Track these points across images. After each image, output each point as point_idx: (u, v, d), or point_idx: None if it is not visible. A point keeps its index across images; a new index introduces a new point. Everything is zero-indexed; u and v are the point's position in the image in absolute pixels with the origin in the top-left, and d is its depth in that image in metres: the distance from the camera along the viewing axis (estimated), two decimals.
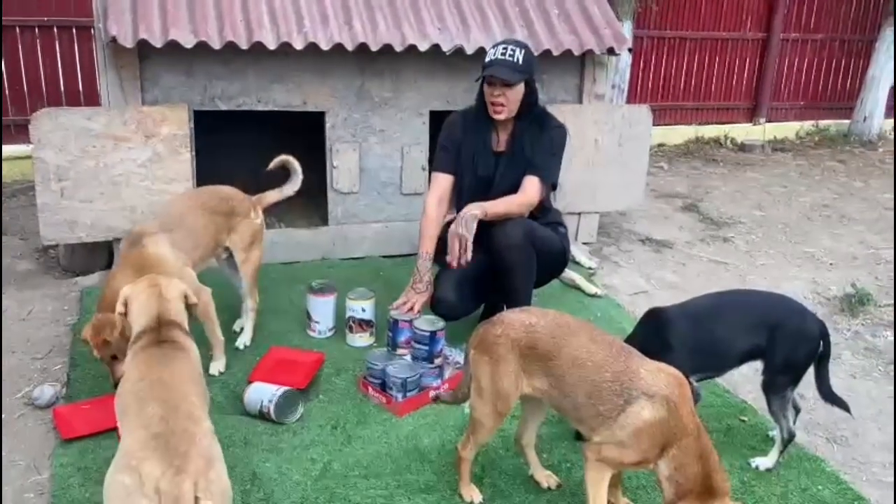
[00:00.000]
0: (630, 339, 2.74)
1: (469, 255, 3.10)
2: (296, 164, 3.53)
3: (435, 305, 3.36)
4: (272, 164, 3.53)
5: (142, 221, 3.45)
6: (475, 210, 3.14)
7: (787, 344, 2.64)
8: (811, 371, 2.71)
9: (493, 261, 3.25)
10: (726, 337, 2.71)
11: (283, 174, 3.59)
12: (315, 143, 4.47)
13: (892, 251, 5.20)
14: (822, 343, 2.68)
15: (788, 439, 2.69)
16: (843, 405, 2.77)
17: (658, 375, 2.12)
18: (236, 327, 3.51)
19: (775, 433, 2.80)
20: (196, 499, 1.81)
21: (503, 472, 2.64)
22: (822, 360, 2.71)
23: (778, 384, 2.66)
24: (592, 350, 2.20)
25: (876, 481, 2.80)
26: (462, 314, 3.43)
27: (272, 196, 3.53)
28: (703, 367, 2.72)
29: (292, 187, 3.55)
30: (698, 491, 2.06)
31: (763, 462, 2.72)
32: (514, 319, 2.35)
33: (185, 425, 1.95)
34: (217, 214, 3.24)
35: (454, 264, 3.13)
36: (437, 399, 2.97)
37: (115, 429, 2.67)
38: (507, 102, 3.25)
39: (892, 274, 4.80)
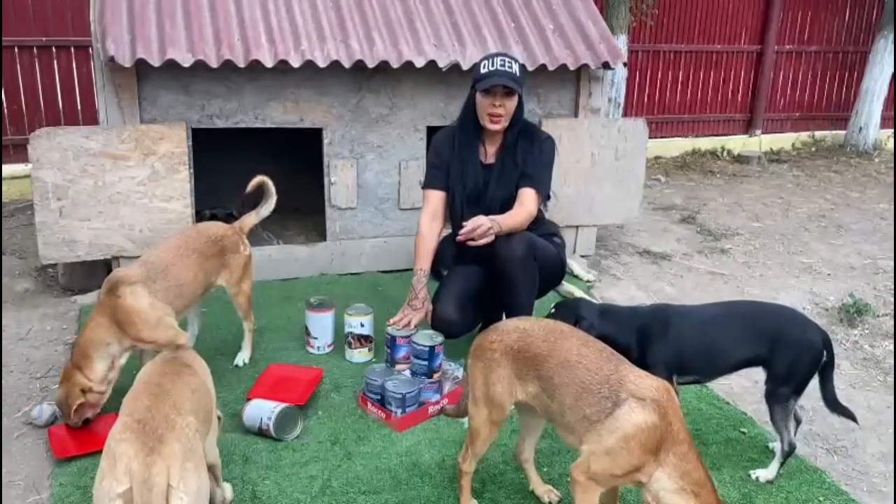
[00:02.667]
0: (632, 317, 2.81)
1: (489, 239, 3.08)
2: (270, 186, 3.48)
3: (436, 323, 3.36)
4: (249, 187, 3.48)
5: (129, 261, 3.27)
6: (494, 226, 3.11)
7: (790, 354, 2.66)
8: (816, 379, 2.72)
9: (496, 274, 3.26)
10: (724, 344, 2.74)
11: (287, 188, 3.60)
12: (313, 159, 4.50)
13: (888, 261, 5.22)
14: (825, 352, 2.69)
15: (789, 451, 2.69)
16: (849, 415, 2.77)
17: (646, 380, 2.11)
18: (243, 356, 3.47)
19: (775, 445, 2.80)
20: (169, 488, 1.77)
21: (503, 486, 2.64)
22: (825, 370, 2.72)
23: (781, 394, 2.66)
24: (583, 353, 2.21)
25: (876, 492, 2.79)
26: (463, 332, 3.42)
27: (251, 220, 3.47)
28: (692, 370, 2.76)
29: (267, 209, 3.49)
30: (711, 493, 2.05)
31: (763, 474, 2.72)
32: (508, 326, 2.39)
33: (167, 414, 1.93)
34: (208, 258, 3.17)
35: (463, 237, 3.07)
36: (441, 412, 2.97)
37: None
38: (505, 112, 3.27)
39: (890, 284, 4.81)
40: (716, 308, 2.96)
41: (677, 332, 2.73)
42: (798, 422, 2.81)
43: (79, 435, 2.81)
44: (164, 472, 1.78)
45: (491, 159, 3.42)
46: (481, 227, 3.06)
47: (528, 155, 3.35)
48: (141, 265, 2.99)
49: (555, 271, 3.48)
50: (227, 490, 2.47)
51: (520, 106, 3.31)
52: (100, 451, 2.58)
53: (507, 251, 3.19)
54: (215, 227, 3.33)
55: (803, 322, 2.77)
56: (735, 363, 2.77)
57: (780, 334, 2.69)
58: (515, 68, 3.24)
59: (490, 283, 3.34)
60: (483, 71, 3.27)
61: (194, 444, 1.93)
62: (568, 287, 4.23)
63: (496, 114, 3.27)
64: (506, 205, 3.30)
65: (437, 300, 3.41)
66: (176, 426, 1.91)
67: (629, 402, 2.05)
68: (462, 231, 3.09)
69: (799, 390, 2.69)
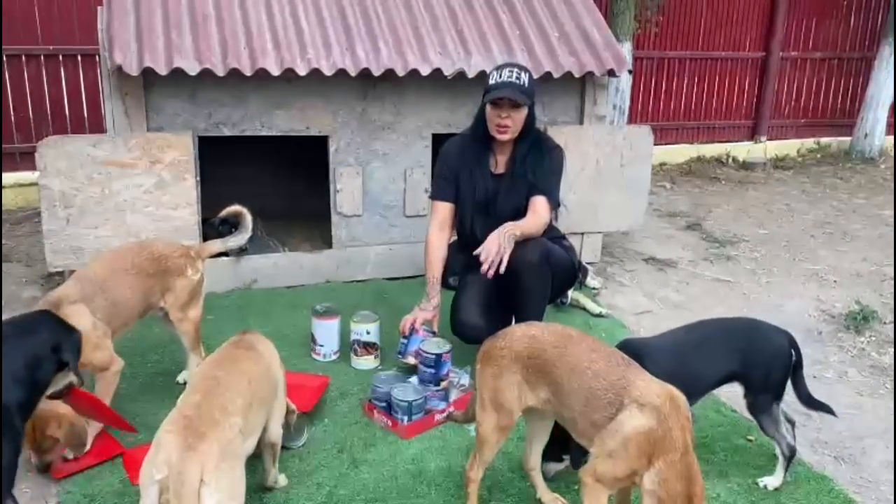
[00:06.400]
0: None
1: (503, 267, 3.07)
2: (247, 217, 3.30)
3: (460, 329, 3.38)
4: (223, 213, 3.33)
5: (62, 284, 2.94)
6: (515, 230, 3.14)
7: (762, 363, 2.68)
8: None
9: (510, 279, 3.25)
10: (700, 366, 2.71)
11: (293, 196, 3.56)
12: (318, 166, 4.51)
13: (893, 268, 5.20)
14: (793, 353, 2.72)
15: (790, 455, 2.69)
16: (826, 409, 2.81)
17: (651, 386, 2.13)
18: (180, 379, 3.29)
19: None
20: (202, 484, 1.87)
21: (510, 494, 2.63)
22: (796, 370, 2.75)
23: (762, 403, 2.68)
24: (593, 359, 2.22)
25: (885, 500, 2.78)
26: (487, 336, 3.41)
27: (215, 246, 3.29)
28: None
29: (238, 241, 3.33)
30: None
31: (770, 481, 2.71)
32: (517, 332, 2.40)
33: (213, 413, 2.04)
34: (147, 276, 2.96)
35: (486, 269, 3.05)
36: (449, 417, 2.97)
37: (106, 461, 2.69)
38: (512, 124, 3.28)
39: (894, 291, 4.80)
40: (681, 333, 2.93)
41: (654, 368, 2.69)
42: (792, 423, 2.81)
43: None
44: (198, 468, 1.89)
45: (501, 169, 3.43)
46: (496, 247, 3.05)
47: (538, 165, 3.36)
48: (76, 281, 2.81)
49: (567, 276, 3.52)
50: (281, 478, 2.61)
51: (530, 116, 3.32)
52: (98, 464, 2.67)
53: (524, 258, 3.20)
54: (159, 246, 3.11)
55: (767, 329, 2.79)
56: (713, 383, 2.75)
57: (750, 346, 2.71)
58: (524, 79, 3.25)
59: (503, 287, 3.34)
60: (492, 82, 3.28)
61: (234, 446, 2.04)
62: (575, 294, 4.24)
63: (503, 125, 3.28)
64: (515, 215, 3.30)
65: (458, 307, 3.42)
66: (219, 426, 2.02)
67: (630, 407, 2.08)
68: (484, 260, 3.05)
69: (779, 395, 2.71)
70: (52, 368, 2.37)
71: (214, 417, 2.03)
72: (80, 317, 2.67)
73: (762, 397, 2.67)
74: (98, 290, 2.80)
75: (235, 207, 3.33)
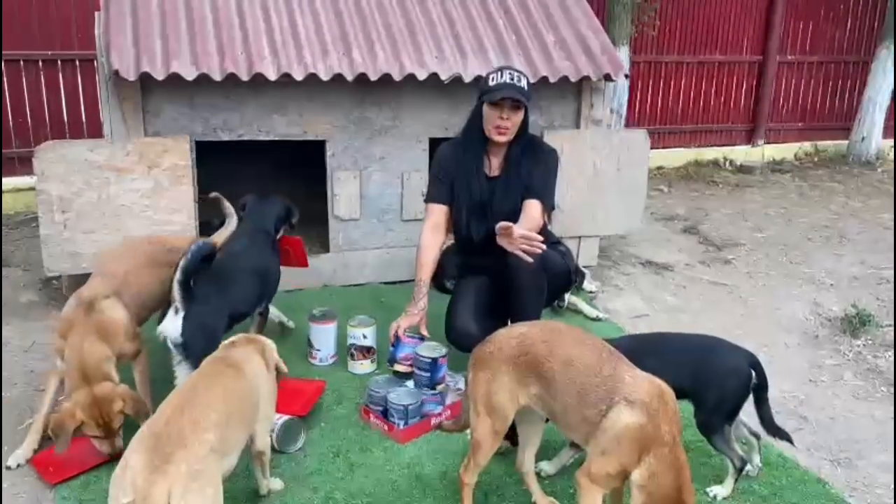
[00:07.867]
0: None
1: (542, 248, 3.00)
2: (227, 206, 3.42)
3: (455, 338, 3.37)
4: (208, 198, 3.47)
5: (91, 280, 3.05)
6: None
7: (717, 384, 2.62)
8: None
9: (505, 284, 3.26)
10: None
11: (292, 198, 3.62)
12: (316, 170, 4.51)
13: (890, 271, 5.20)
14: (754, 375, 2.65)
15: (741, 466, 2.66)
16: (786, 437, 2.75)
17: (641, 382, 2.14)
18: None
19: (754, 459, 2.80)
20: None
21: (506, 498, 2.64)
22: (758, 392, 2.68)
23: (715, 423, 2.62)
24: (583, 353, 2.23)
25: (881, 503, 2.78)
26: None
27: (217, 240, 3.28)
28: None
29: (227, 230, 3.38)
30: (666, 499, 2.07)
31: (720, 490, 2.68)
32: (505, 335, 2.41)
33: (183, 430, 1.95)
34: (163, 267, 3.05)
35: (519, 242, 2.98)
36: (439, 427, 2.96)
37: (102, 465, 2.69)
38: (511, 125, 3.29)
39: (893, 294, 4.80)
40: (640, 340, 2.90)
41: None
42: (758, 437, 2.78)
43: (67, 456, 2.70)
44: (164, 491, 1.81)
45: (496, 171, 3.44)
46: (535, 240, 2.98)
47: (533, 168, 3.37)
48: (100, 278, 2.91)
49: (561, 280, 3.52)
50: (277, 482, 2.59)
51: (525, 119, 3.33)
52: (90, 469, 2.67)
53: (519, 262, 3.19)
54: (173, 238, 3.35)
55: (725, 349, 2.73)
56: None
57: (702, 366, 2.65)
58: (524, 82, 3.27)
59: (499, 293, 3.35)
60: (492, 83, 3.28)
61: (205, 465, 1.94)
62: (572, 298, 4.24)
63: (503, 126, 3.29)
64: (511, 217, 3.29)
65: (453, 314, 3.42)
66: (188, 444, 1.92)
67: (620, 404, 2.10)
68: (519, 235, 2.97)
69: (732, 416, 2.65)
70: (282, 224, 3.55)
71: (184, 435, 1.93)
72: (114, 310, 2.77)
73: (714, 418, 2.62)
74: (123, 283, 2.91)
75: (215, 195, 3.45)
